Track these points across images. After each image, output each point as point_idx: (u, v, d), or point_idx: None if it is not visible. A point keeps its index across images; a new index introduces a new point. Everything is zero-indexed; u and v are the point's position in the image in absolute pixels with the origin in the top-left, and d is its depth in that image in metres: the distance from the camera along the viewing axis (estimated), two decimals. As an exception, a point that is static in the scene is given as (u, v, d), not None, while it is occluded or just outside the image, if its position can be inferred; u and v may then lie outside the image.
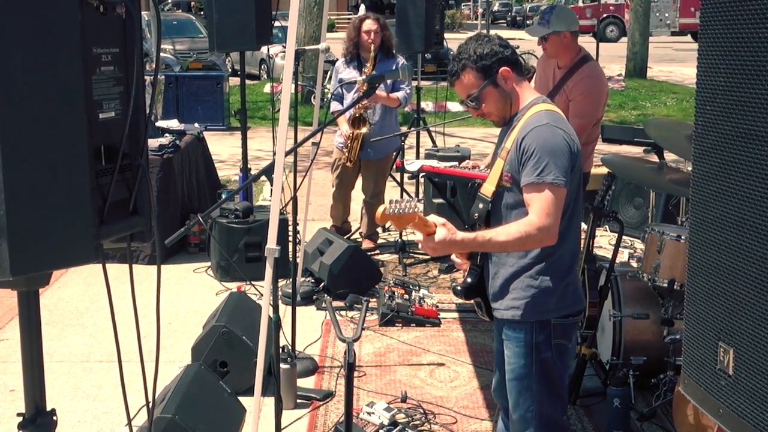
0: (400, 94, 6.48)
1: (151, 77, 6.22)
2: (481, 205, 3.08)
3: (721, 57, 1.86)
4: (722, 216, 1.88)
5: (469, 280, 3.15)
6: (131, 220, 1.97)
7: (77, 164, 1.78)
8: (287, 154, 3.83)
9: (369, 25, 6.48)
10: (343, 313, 5.62)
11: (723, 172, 1.87)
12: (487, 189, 3.07)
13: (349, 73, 6.51)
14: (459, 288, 3.19)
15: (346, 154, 6.57)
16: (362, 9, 7.35)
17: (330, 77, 8.78)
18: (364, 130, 6.39)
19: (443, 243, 2.83)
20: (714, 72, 1.89)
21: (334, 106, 6.61)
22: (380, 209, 2.71)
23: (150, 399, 2.17)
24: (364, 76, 5.80)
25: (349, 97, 6.48)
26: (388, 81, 6.31)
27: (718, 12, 1.87)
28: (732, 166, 1.84)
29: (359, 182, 6.97)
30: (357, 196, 7.09)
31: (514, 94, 3.04)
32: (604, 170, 4.68)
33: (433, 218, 2.88)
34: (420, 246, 2.92)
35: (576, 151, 2.93)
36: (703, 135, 1.95)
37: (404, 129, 8.02)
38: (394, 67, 6.38)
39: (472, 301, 3.24)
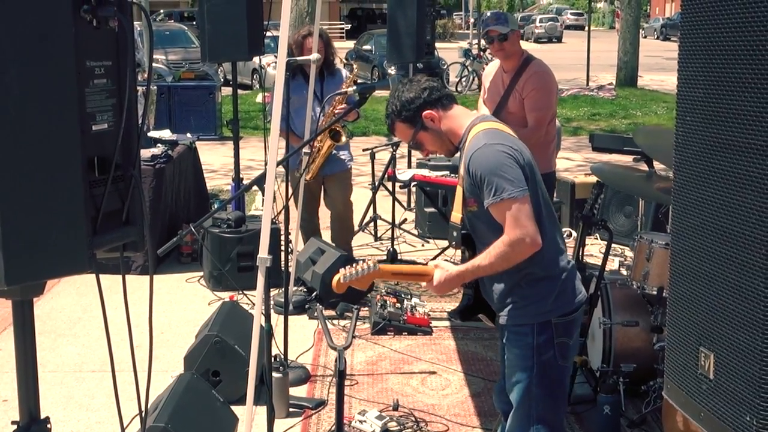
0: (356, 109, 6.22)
1: (144, 88, 6.22)
2: (455, 233, 3.19)
3: (700, 69, 1.90)
4: (702, 224, 1.92)
5: (464, 303, 3.26)
6: (124, 230, 2.00)
7: (71, 175, 1.82)
8: (279, 164, 3.86)
9: (310, 44, 5.98)
10: (335, 321, 5.64)
11: (703, 181, 1.91)
12: (455, 217, 3.18)
13: (295, 90, 5.78)
14: (456, 313, 3.33)
15: (303, 168, 5.98)
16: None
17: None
18: (343, 140, 6.09)
19: (442, 283, 3.05)
20: (693, 83, 1.93)
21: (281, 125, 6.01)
22: (335, 278, 2.85)
23: (143, 408, 2.19)
24: (353, 87, 5.70)
25: (317, 112, 5.98)
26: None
27: (697, 24, 1.91)
28: (711, 175, 1.88)
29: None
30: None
31: (447, 129, 3.14)
32: (594, 179, 4.73)
33: (429, 264, 3.09)
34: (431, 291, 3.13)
35: (524, 161, 3.00)
36: (683, 145, 1.99)
37: (396, 138, 8.06)
38: (344, 80, 6.16)
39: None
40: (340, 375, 3.20)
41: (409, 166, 8.19)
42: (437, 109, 3.13)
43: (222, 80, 16.37)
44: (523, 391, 3.10)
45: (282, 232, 4.88)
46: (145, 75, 12.28)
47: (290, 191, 4.78)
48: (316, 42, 5.85)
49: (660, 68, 26.60)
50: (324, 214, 6.64)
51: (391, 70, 14.52)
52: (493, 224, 3.00)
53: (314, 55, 5.51)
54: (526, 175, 2.97)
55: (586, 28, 24.78)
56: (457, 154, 3.22)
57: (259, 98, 16.54)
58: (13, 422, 2.00)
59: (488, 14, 5.72)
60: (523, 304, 3.07)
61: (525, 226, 2.91)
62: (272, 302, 5.48)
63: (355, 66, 6.37)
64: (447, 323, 5.72)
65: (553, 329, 3.05)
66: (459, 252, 3.29)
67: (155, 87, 11.95)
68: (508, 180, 2.91)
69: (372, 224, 7.63)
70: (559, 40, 46.11)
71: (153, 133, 7.82)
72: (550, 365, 3.06)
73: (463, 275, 3.06)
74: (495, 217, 2.97)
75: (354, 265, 2.83)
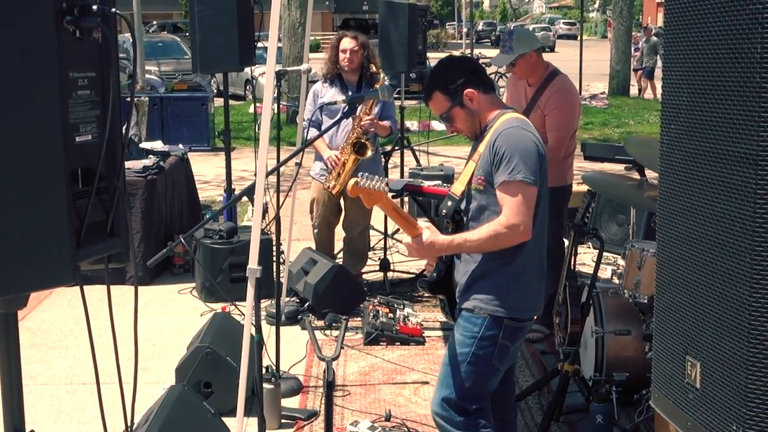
0: (389, 123, 6.06)
1: (135, 97, 6.19)
2: (450, 203, 3.25)
3: (683, 77, 1.90)
4: (688, 232, 1.91)
5: (434, 274, 3.30)
6: (108, 242, 1.99)
7: (54, 187, 1.81)
8: (269, 174, 3.86)
9: (346, 43, 5.98)
10: (327, 332, 5.63)
11: (688, 190, 1.91)
12: (457, 188, 3.25)
13: (332, 97, 5.95)
14: (423, 281, 3.30)
15: (330, 183, 6.01)
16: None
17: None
18: (369, 154, 5.89)
19: (429, 245, 3.07)
20: (677, 91, 1.94)
21: (312, 133, 5.98)
22: (352, 181, 2.91)
23: (129, 420, 2.18)
24: (342, 97, 5.65)
25: (331, 122, 5.89)
26: (377, 106, 5.94)
27: (681, 32, 1.91)
28: (696, 183, 1.88)
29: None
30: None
31: (482, 111, 3.22)
32: (585, 188, 4.73)
33: (420, 222, 3.12)
34: (408, 252, 3.16)
35: (543, 154, 3.11)
36: (668, 153, 1.99)
37: (388, 148, 8.07)
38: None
39: (438, 297, 3.39)
40: (329, 386, 3.20)
41: (402, 176, 8.19)
42: (479, 90, 3.20)
43: (215, 91, 16.41)
44: (451, 372, 3.18)
45: (274, 243, 4.86)
46: (137, 85, 12.28)
47: (281, 201, 4.77)
48: (308, 50, 5.87)
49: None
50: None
51: (384, 80, 14.48)
52: (492, 207, 3.08)
53: (304, 66, 5.52)
54: (541, 171, 3.07)
55: (579, 38, 24.88)
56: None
57: (251, 109, 16.57)
58: (-3, 436, 1.99)
59: (503, 36, 5.57)
60: (485, 292, 3.14)
61: (524, 214, 3.00)
62: (264, 313, 5.49)
63: (381, 74, 6.12)
64: (440, 333, 5.71)
65: (502, 329, 3.13)
66: None
67: (147, 98, 11.96)
68: (527, 165, 3.01)
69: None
70: (551, 49, 46.25)
71: (145, 144, 7.82)
72: (484, 361, 3.14)
73: (449, 245, 3.11)
74: (499, 197, 3.04)
75: (371, 177, 2.90)
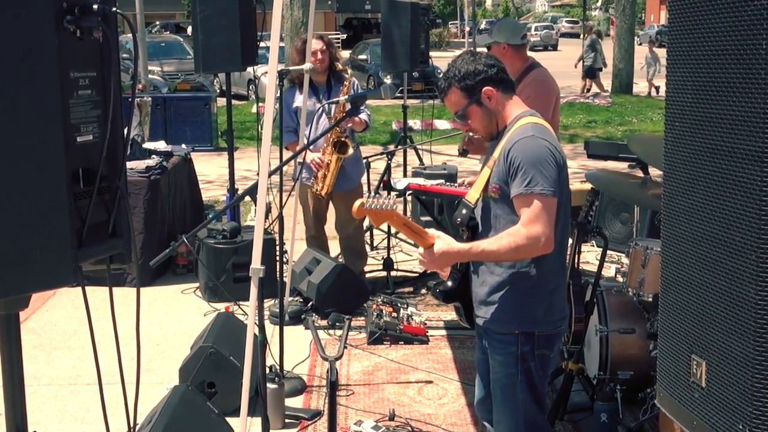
0: (363, 116, 6.03)
1: (137, 99, 6.20)
2: (464, 211, 3.16)
3: (688, 74, 1.89)
4: (693, 230, 1.90)
5: (449, 284, 3.22)
6: (110, 242, 1.98)
7: (55, 187, 1.81)
8: (272, 173, 3.85)
9: (313, 45, 5.90)
10: (331, 332, 5.63)
11: (692, 187, 1.90)
12: (472, 196, 3.16)
13: (302, 101, 5.83)
14: (438, 291, 3.25)
15: (318, 185, 6.08)
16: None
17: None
18: (350, 152, 5.99)
19: (442, 255, 2.95)
20: (682, 89, 1.92)
21: (288, 138, 5.97)
22: (357, 203, 2.81)
23: (132, 421, 2.17)
24: (344, 96, 5.63)
25: (315, 125, 5.92)
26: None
27: (685, 30, 1.90)
28: (701, 180, 1.87)
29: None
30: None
31: (500, 111, 3.11)
32: (589, 186, 4.72)
33: (431, 231, 3.00)
34: (420, 262, 3.03)
35: (562, 163, 3.01)
36: (672, 150, 1.98)
37: (391, 147, 8.07)
38: (352, 86, 6.09)
39: (452, 305, 3.32)
40: (332, 386, 3.19)
41: (405, 175, 8.18)
42: (498, 89, 3.09)
43: (218, 91, 16.42)
44: (509, 397, 3.12)
45: (277, 242, 4.86)
46: (139, 85, 12.27)
47: (284, 201, 4.76)
48: (309, 51, 5.85)
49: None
50: (329, 227, 6.59)
51: (387, 79, 14.54)
52: (508, 215, 3.00)
53: (307, 65, 5.50)
54: (560, 179, 2.97)
55: (581, 36, 24.85)
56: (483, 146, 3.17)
57: (254, 108, 16.58)
58: (0, 437, 1.98)
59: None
60: (509, 307, 3.07)
61: (545, 225, 2.90)
62: (268, 312, 5.48)
63: (348, 72, 6.18)
64: (443, 332, 5.70)
65: (535, 341, 3.07)
66: None
67: (150, 98, 11.96)
68: (544, 176, 2.91)
69: (368, 233, 7.62)
70: (554, 47, 46.25)
71: (148, 145, 7.81)
72: (531, 374, 3.09)
73: (465, 254, 3.00)
74: (516, 209, 2.96)
75: (377, 197, 2.80)
